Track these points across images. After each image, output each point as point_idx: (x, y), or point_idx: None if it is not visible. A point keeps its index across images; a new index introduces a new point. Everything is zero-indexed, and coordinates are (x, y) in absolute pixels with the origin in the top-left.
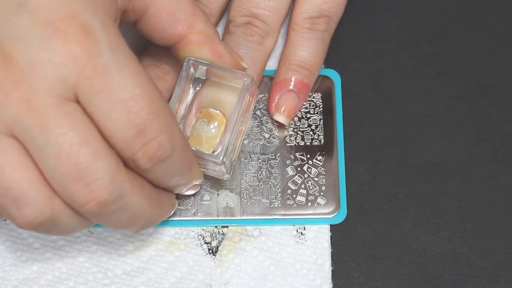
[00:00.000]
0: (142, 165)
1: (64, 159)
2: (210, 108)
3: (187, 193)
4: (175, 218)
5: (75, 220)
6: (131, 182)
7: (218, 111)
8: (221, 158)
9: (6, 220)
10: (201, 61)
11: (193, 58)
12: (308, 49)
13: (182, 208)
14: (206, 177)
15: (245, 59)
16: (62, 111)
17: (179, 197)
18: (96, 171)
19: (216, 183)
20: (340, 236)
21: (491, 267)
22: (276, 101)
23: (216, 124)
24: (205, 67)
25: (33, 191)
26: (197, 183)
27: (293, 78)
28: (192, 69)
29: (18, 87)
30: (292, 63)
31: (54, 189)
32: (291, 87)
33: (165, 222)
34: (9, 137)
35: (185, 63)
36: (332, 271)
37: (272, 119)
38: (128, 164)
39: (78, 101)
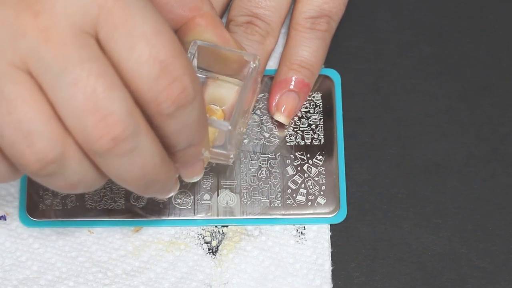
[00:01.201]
0: (165, 109)
1: (81, 88)
2: (211, 105)
3: (191, 179)
4: (175, 218)
5: (84, 167)
6: (146, 124)
7: (218, 107)
8: (230, 127)
9: (6, 220)
10: (208, 43)
11: (199, 40)
12: (309, 49)
13: (182, 207)
14: (207, 176)
15: None
16: (81, 42)
17: (179, 196)
18: (113, 103)
19: (216, 182)
20: (340, 236)
21: (491, 267)
22: (276, 100)
23: (215, 118)
24: (213, 47)
25: (46, 126)
26: (205, 155)
27: (293, 78)
28: (195, 61)
29: (37, 16)
30: (293, 63)
31: (67, 125)
32: (291, 87)
33: (165, 222)
34: (24, 72)
35: (191, 45)
36: (332, 271)
37: (272, 118)
38: (147, 110)
39: (97, 39)
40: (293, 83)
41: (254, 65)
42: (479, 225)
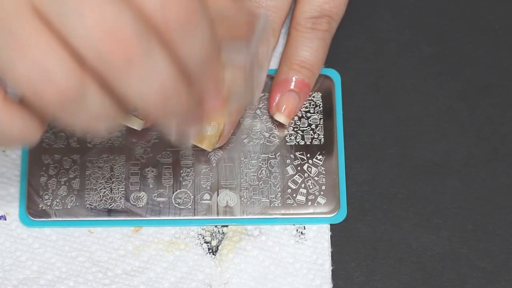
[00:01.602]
0: (174, 26)
1: (88, 12)
2: None
3: (214, 124)
4: (175, 218)
5: (104, 97)
6: (158, 41)
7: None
8: (246, 55)
9: (6, 220)
10: None
11: None
12: (309, 49)
13: (182, 207)
14: (207, 176)
15: None
16: None
17: (179, 196)
18: (122, 21)
19: (216, 182)
20: (340, 236)
21: (491, 267)
22: (276, 100)
23: (215, 123)
24: None
25: (62, 61)
26: (225, 78)
27: (294, 78)
28: None
29: None
30: (293, 63)
31: (82, 54)
32: (292, 87)
33: (165, 222)
34: (31, 11)
35: None
36: (332, 271)
37: (272, 118)
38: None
39: None
40: (293, 83)
41: (264, 18)
42: (479, 225)
